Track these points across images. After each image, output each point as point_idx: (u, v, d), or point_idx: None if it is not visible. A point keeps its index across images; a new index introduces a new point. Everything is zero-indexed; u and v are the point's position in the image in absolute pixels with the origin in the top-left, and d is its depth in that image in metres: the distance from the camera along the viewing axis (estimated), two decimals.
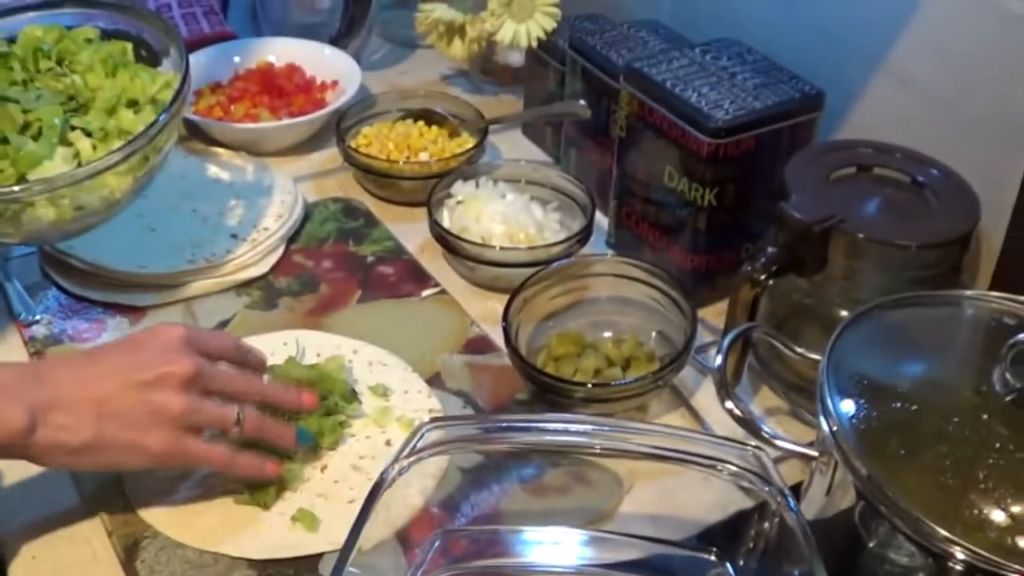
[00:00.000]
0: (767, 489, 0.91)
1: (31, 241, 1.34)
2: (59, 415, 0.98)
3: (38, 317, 1.32)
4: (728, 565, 1.04)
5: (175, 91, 1.26)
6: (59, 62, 1.34)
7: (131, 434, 1.01)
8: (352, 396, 1.21)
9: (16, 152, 1.23)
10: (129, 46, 1.37)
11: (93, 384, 1.01)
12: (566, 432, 0.94)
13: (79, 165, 1.24)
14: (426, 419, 0.98)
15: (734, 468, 0.92)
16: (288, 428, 1.11)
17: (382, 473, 0.90)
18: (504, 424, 0.96)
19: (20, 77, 1.32)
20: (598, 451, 1.01)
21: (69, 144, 1.25)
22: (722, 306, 1.24)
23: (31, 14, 1.39)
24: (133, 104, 1.31)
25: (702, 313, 1.31)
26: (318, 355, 1.25)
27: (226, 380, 1.08)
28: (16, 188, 1.18)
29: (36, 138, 1.25)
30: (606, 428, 0.95)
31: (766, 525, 1.00)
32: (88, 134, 1.27)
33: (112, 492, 1.12)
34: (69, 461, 1.01)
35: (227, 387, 1.08)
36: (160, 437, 1.02)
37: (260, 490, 1.10)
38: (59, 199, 1.19)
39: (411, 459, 0.90)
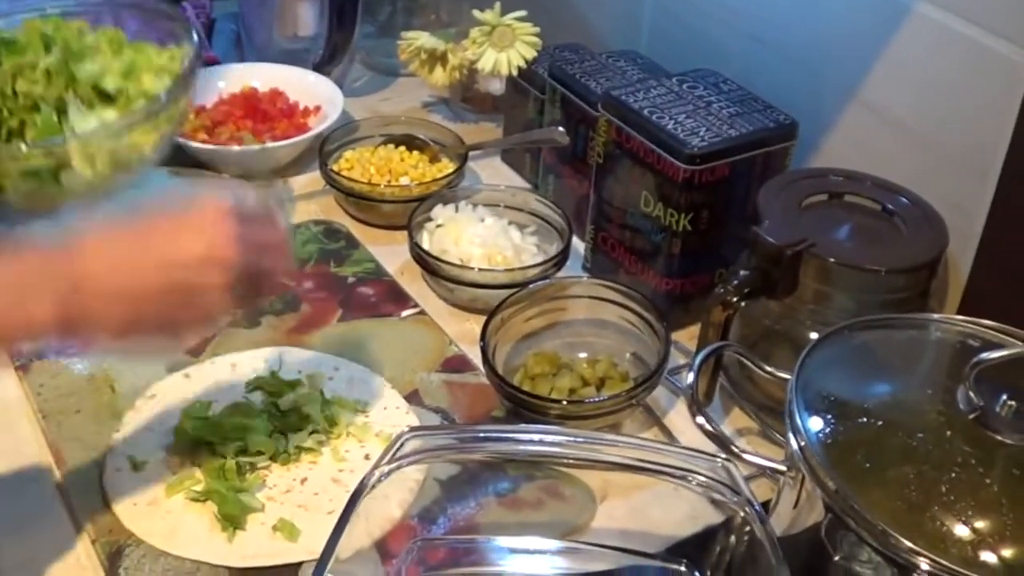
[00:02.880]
0: (736, 500, 0.92)
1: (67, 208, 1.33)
2: (91, 303, 0.92)
3: None
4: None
5: (190, 55, 1.30)
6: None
7: (166, 319, 0.96)
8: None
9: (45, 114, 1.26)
10: (121, 31, 1.37)
11: (129, 268, 0.95)
12: (541, 443, 0.95)
13: None
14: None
15: (704, 479, 0.93)
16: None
17: (363, 479, 0.91)
18: (482, 434, 0.98)
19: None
20: (571, 462, 1.03)
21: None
22: (694, 330, 1.26)
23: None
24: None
25: (675, 336, 1.33)
26: (299, 371, 1.27)
27: (269, 270, 1.01)
28: (61, 138, 1.23)
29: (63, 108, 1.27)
30: (579, 439, 0.96)
31: (734, 538, 1.02)
32: (111, 98, 1.29)
33: (96, 500, 1.13)
34: (106, 347, 1.02)
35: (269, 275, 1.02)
36: (195, 318, 0.99)
37: (231, 515, 1.10)
38: (96, 154, 1.22)
39: (391, 466, 0.91)
